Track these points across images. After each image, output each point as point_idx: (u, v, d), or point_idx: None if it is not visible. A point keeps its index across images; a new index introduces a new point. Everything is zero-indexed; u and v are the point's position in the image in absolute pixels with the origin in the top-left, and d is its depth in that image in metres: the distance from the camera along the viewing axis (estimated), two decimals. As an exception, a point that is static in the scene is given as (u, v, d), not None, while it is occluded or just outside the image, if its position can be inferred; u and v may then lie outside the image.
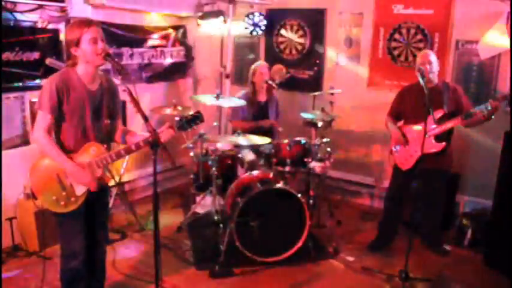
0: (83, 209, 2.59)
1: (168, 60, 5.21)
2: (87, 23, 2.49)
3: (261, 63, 4.62)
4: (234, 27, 5.29)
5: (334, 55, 5.15)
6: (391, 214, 3.99)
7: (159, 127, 2.54)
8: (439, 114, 3.58)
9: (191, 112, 2.67)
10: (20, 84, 3.66)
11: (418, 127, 3.70)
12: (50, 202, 2.54)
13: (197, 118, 2.56)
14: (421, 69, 3.46)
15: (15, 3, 3.53)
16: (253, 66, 4.57)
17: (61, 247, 2.68)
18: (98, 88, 2.60)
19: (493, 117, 3.39)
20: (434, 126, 3.56)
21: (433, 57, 3.68)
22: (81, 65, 2.52)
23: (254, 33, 5.33)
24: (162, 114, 4.30)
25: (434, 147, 3.63)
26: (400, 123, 3.93)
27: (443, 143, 3.63)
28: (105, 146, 2.62)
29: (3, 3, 3.43)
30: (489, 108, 3.33)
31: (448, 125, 3.57)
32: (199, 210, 4.57)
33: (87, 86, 2.54)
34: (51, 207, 2.56)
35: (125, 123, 4.10)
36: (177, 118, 2.65)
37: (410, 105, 3.78)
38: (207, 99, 4.05)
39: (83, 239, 2.62)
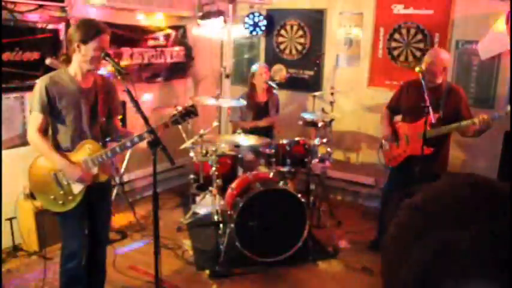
0: (83, 209, 2.59)
1: (168, 61, 5.21)
2: (103, 29, 2.48)
3: (260, 65, 4.62)
4: (234, 28, 5.28)
5: (334, 55, 5.15)
6: (388, 217, 3.98)
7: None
8: (434, 117, 3.35)
9: (186, 104, 2.64)
10: (20, 84, 3.66)
11: (409, 126, 3.65)
12: (48, 201, 2.54)
13: (191, 112, 2.53)
14: (421, 67, 3.39)
15: (15, 3, 3.53)
16: (252, 68, 4.57)
17: (62, 247, 2.69)
18: (92, 86, 2.59)
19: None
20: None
21: (440, 56, 3.50)
22: (75, 62, 2.52)
23: (254, 33, 5.33)
24: (162, 114, 4.29)
25: (423, 150, 3.39)
26: (399, 117, 3.90)
27: (432, 148, 3.42)
28: (100, 143, 2.62)
29: (3, 3, 3.43)
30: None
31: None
32: (199, 210, 4.57)
33: (80, 84, 2.54)
34: (49, 206, 2.56)
35: (124, 123, 4.10)
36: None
37: (408, 102, 3.70)
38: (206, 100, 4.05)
39: (82, 240, 2.62)
